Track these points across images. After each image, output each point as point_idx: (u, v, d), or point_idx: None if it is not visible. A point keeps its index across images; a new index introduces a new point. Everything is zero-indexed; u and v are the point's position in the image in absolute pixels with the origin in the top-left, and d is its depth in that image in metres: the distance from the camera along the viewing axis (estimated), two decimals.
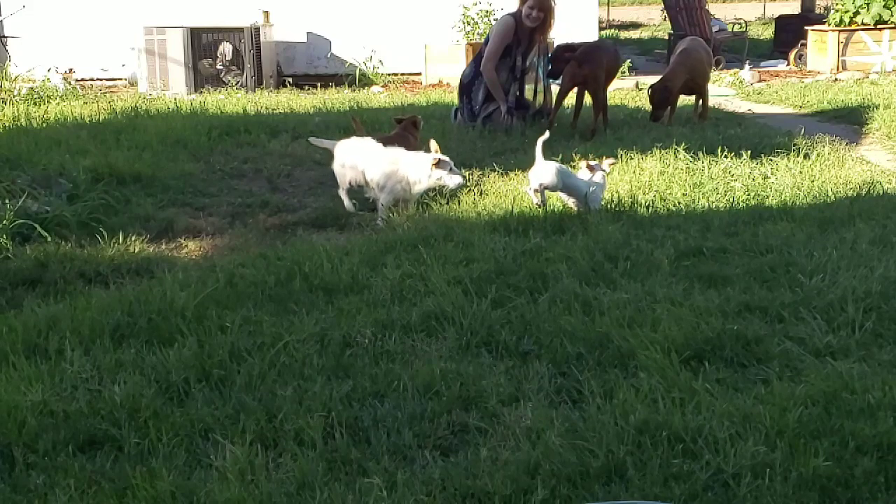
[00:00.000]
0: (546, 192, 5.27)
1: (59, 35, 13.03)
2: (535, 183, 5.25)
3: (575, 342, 3.42)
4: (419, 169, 5.53)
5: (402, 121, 6.68)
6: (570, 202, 5.34)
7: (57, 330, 3.59)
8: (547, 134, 5.44)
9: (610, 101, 8.91)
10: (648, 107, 8.57)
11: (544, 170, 5.23)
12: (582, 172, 5.34)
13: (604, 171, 5.34)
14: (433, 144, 5.65)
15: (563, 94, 8.15)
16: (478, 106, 8.31)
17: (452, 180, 5.53)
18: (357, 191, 5.85)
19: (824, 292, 3.82)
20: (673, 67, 8.40)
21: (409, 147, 5.98)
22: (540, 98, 8.58)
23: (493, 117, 8.22)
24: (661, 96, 8.15)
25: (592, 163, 5.35)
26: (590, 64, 7.92)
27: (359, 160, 5.73)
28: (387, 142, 5.96)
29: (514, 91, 8.33)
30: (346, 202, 5.81)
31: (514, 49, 8.19)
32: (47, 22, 13.24)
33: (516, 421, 2.89)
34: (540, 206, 5.24)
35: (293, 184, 6.64)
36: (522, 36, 8.18)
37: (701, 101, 8.75)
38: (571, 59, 7.88)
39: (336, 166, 5.90)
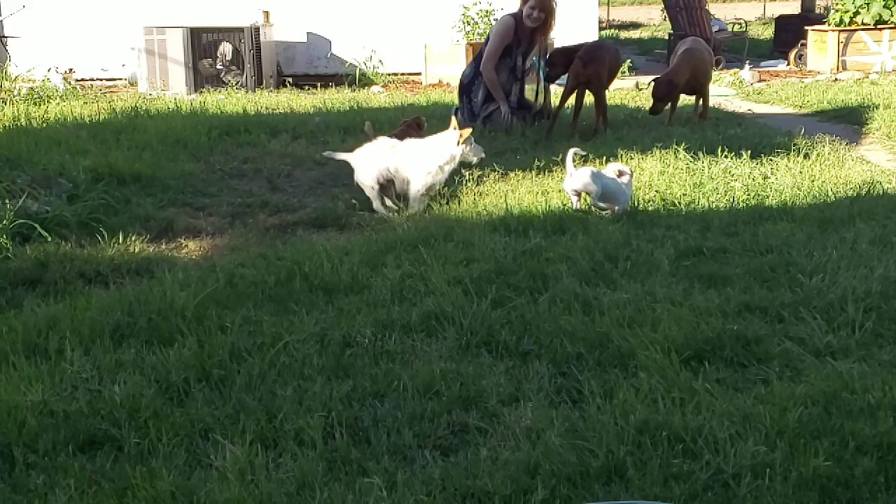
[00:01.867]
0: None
1: (59, 35, 13.03)
2: (572, 193, 5.23)
3: (575, 342, 3.42)
4: (447, 147, 5.59)
5: (406, 122, 6.73)
6: (602, 204, 5.25)
7: (57, 330, 3.59)
8: (578, 150, 5.39)
9: (610, 101, 8.91)
10: (648, 107, 8.55)
11: (579, 176, 5.18)
12: (608, 171, 5.30)
13: (631, 175, 5.33)
14: (454, 121, 5.74)
15: (567, 94, 8.13)
16: (478, 106, 8.31)
17: (477, 153, 5.64)
18: (360, 191, 5.83)
19: (824, 292, 3.82)
20: (677, 64, 8.41)
21: None
22: (541, 98, 8.58)
23: (493, 117, 8.21)
24: (665, 90, 8.14)
25: (622, 167, 5.32)
26: (594, 63, 7.93)
27: (382, 160, 5.69)
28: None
29: (515, 91, 8.33)
30: (385, 213, 5.65)
31: (514, 49, 8.19)
32: (47, 22, 13.24)
33: (516, 421, 2.89)
34: (602, 213, 5.19)
35: (293, 184, 6.63)
36: (523, 36, 8.18)
37: (701, 101, 8.75)
38: (576, 58, 7.88)
39: (360, 177, 5.77)
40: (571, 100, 8.24)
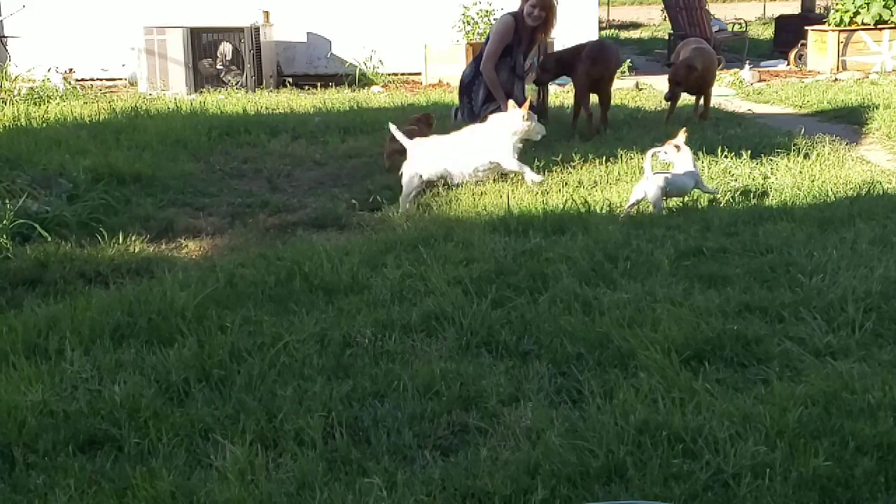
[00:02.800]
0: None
1: (59, 35, 13.02)
2: (632, 199, 5.27)
3: (575, 342, 3.42)
4: (515, 123, 5.75)
5: (417, 118, 6.82)
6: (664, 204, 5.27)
7: (57, 330, 3.59)
8: (655, 149, 5.44)
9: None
10: (648, 106, 8.57)
11: (642, 185, 5.23)
12: (671, 151, 5.31)
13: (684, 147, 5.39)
14: (511, 102, 5.98)
15: (582, 93, 8.14)
16: (478, 106, 8.29)
17: (539, 131, 5.91)
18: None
19: (824, 292, 3.82)
20: (692, 54, 8.45)
21: None
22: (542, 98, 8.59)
23: None
24: (684, 73, 8.21)
25: (676, 142, 5.35)
26: (602, 63, 7.97)
27: (442, 161, 5.79)
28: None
29: (517, 91, 8.33)
30: (407, 210, 5.66)
31: (514, 49, 8.19)
32: (47, 22, 13.23)
33: (516, 421, 2.89)
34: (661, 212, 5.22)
35: (293, 184, 6.64)
36: (523, 35, 8.17)
37: (703, 101, 8.76)
38: (584, 57, 7.92)
39: (415, 166, 5.79)
40: (571, 100, 8.25)
